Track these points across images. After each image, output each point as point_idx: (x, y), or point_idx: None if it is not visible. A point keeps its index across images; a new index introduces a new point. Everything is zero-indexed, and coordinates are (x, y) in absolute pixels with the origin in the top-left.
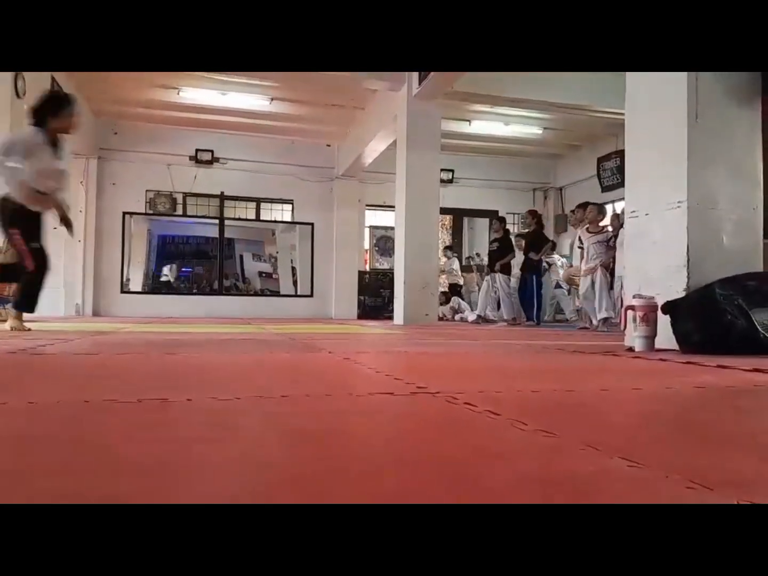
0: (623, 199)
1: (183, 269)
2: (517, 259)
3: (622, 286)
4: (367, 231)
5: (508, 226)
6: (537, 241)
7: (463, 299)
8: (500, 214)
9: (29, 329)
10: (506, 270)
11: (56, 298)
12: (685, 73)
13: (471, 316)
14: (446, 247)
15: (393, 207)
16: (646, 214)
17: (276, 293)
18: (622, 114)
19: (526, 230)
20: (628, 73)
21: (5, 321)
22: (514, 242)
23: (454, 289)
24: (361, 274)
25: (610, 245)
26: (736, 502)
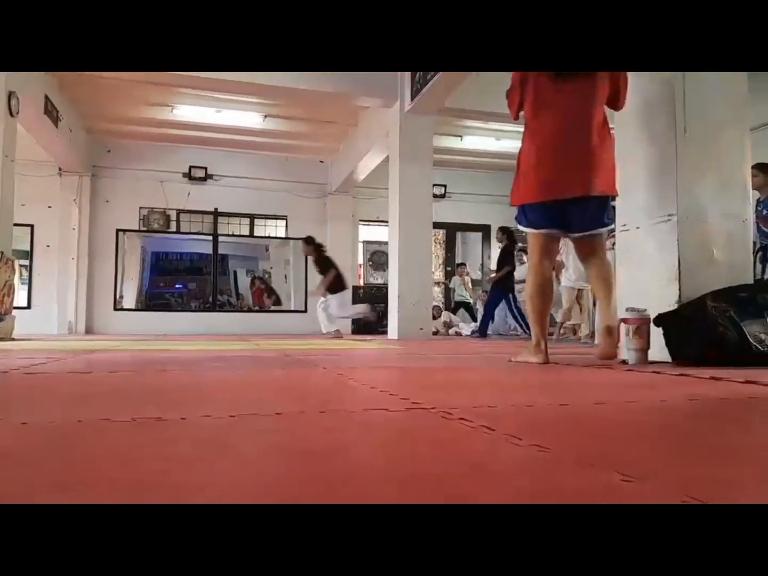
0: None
1: (176, 285)
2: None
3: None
4: (360, 246)
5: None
6: (503, 258)
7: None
8: (493, 228)
9: None
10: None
11: (49, 316)
12: (673, 86)
13: (466, 330)
14: (460, 264)
15: (386, 222)
16: (637, 228)
17: (269, 309)
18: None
19: (500, 245)
20: None
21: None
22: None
23: (459, 306)
24: (355, 289)
25: None
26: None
